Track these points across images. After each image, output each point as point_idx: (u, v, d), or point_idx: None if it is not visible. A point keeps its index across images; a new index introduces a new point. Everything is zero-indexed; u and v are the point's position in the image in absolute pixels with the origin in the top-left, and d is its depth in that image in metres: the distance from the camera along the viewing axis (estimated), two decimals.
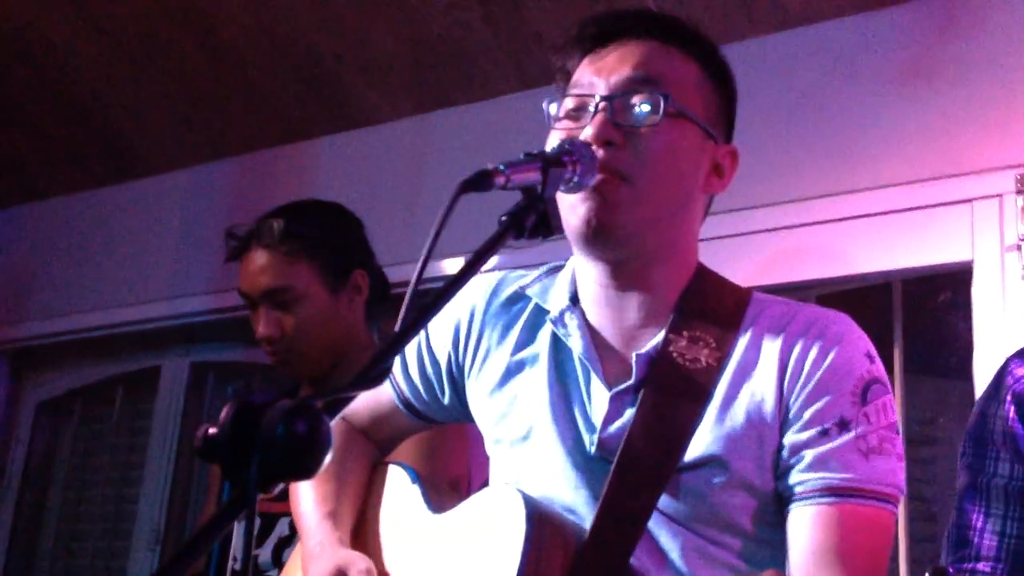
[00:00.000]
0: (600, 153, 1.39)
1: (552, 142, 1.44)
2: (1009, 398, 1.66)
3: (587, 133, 1.41)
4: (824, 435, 1.35)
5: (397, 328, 1.06)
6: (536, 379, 1.51)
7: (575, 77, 1.50)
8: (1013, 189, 2.47)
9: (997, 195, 2.49)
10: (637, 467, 1.39)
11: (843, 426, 1.35)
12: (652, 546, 1.38)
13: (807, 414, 1.37)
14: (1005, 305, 2.42)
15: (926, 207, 2.58)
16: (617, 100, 1.43)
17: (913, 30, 2.72)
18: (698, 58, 1.51)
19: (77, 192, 4.23)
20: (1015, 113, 2.53)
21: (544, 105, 1.50)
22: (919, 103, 2.65)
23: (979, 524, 1.64)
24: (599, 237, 1.41)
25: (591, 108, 1.44)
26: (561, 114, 1.48)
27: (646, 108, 1.42)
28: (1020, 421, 1.65)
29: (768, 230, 2.77)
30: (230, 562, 2.18)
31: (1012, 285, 2.43)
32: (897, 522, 2.50)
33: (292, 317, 2.36)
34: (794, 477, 1.36)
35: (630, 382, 1.44)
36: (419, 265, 1.10)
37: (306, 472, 0.87)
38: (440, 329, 1.63)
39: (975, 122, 2.57)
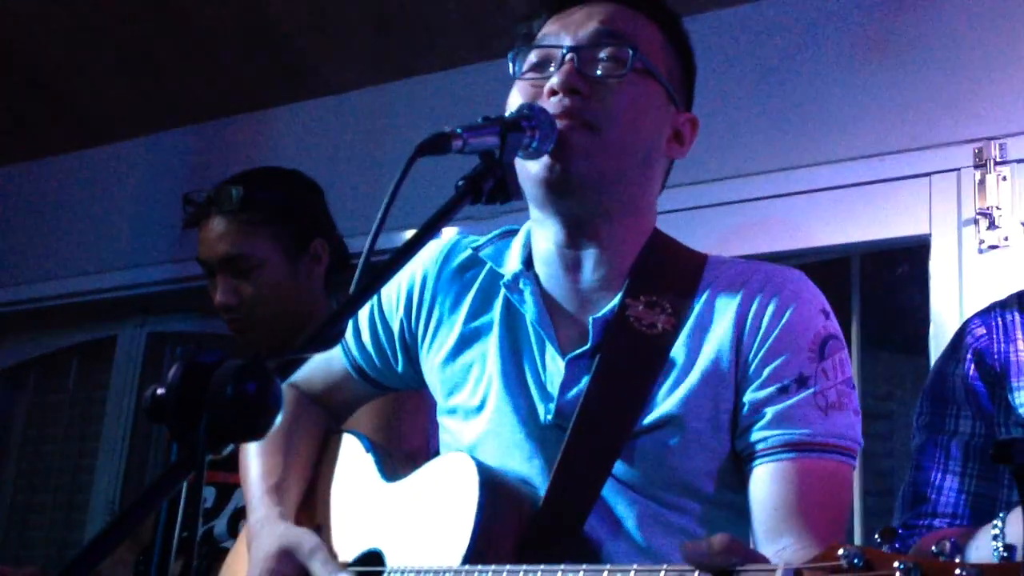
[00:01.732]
0: (565, 101, 1.39)
1: (515, 97, 1.44)
2: (969, 356, 1.68)
3: (553, 82, 1.40)
4: (783, 392, 1.36)
5: (351, 291, 1.06)
6: (489, 349, 1.50)
7: (540, 34, 1.50)
8: (971, 163, 2.48)
9: (955, 169, 2.51)
10: (592, 433, 1.39)
11: (802, 382, 1.36)
12: (607, 514, 1.39)
13: (766, 371, 1.37)
14: (962, 279, 2.44)
15: (884, 181, 2.59)
16: (584, 51, 1.44)
17: (873, 5, 2.72)
18: (662, 25, 1.51)
19: (32, 160, 4.16)
20: (973, 88, 2.54)
21: (509, 57, 1.49)
22: (878, 78, 2.66)
23: (938, 481, 1.66)
24: (560, 185, 1.40)
25: (556, 60, 1.44)
26: (525, 68, 1.47)
27: (614, 60, 1.43)
28: (981, 378, 1.66)
29: (726, 203, 2.77)
30: (178, 530, 2.15)
31: (969, 259, 2.44)
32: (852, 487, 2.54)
33: (250, 285, 2.34)
34: (754, 435, 1.37)
35: (586, 347, 1.43)
36: (375, 226, 1.09)
37: (256, 432, 0.86)
38: (392, 296, 1.61)
39: (934, 97, 2.58)
